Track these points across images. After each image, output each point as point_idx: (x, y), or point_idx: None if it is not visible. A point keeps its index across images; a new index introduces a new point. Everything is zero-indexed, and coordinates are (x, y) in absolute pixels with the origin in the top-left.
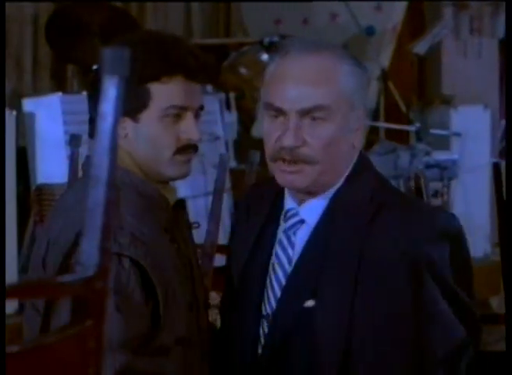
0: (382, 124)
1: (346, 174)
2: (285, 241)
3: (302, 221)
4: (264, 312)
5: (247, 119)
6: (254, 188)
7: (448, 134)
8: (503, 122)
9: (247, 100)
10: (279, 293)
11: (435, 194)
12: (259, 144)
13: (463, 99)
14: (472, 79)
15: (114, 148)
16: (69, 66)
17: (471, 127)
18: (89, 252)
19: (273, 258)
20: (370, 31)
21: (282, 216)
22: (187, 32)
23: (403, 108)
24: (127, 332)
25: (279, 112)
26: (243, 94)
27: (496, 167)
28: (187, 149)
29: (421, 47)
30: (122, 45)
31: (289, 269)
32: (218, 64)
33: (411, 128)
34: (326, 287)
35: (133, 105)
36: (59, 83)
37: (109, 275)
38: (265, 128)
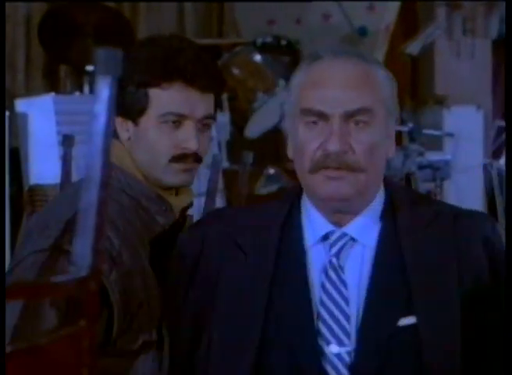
0: None
1: (382, 187)
2: (337, 265)
3: (352, 240)
4: (325, 346)
5: (239, 120)
6: (231, 222)
7: (441, 135)
8: (497, 122)
9: (240, 101)
10: (343, 320)
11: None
12: (252, 144)
13: (456, 100)
14: (465, 79)
15: (107, 148)
16: (62, 66)
17: (464, 128)
18: (82, 253)
19: (325, 285)
20: (363, 32)
21: (310, 241)
22: (180, 32)
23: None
24: None
25: (320, 116)
26: (235, 95)
27: (486, 168)
28: (185, 158)
29: (414, 47)
30: (129, 49)
31: (347, 293)
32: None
33: (404, 128)
34: (425, 302)
35: (133, 108)
36: (52, 84)
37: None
38: (301, 137)
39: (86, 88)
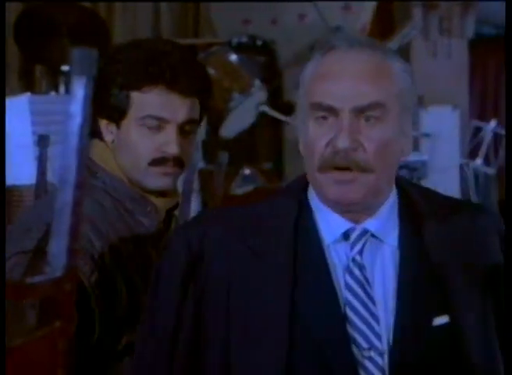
0: None
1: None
2: (360, 263)
3: (372, 236)
4: (356, 349)
5: (215, 120)
6: (235, 220)
7: (417, 135)
8: (473, 122)
9: (216, 100)
10: (372, 321)
11: None
12: (228, 144)
13: (432, 100)
14: (441, 79)
15: (82, 148)
16: (38, 66)
17: (441, 128)
18: (57, 253)
19: (350, 285)
20: (338, 32)
21: (328, 239)
22: (156, 32)
23: None
24: None
25: (330, 111)
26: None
27: (462, 168)
28: (164, 162)
29: (390, 47)
30: (115, 50)
31: (372, 293)
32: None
33: None
34: (459, 300)
35: (116, 110)
36: (28, 84)
37: (77, 276)
38: (311, 133)
39: (62, 88)
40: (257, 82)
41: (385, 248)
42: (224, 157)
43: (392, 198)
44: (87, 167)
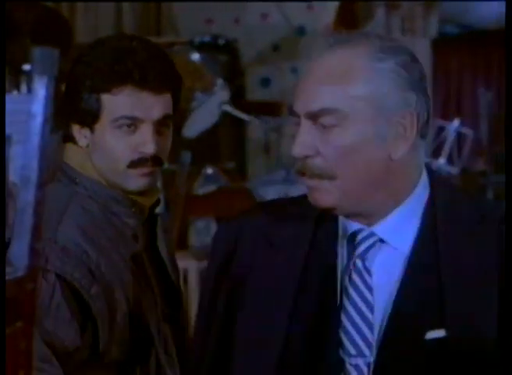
0: None
1: (422, 191)
2: (361, 268)
3: (381, 241)
4: (343, 355)
5: (177, 120)
6: (267, 215)
7: None
8: (436, 122)
9: None
10: (365, 328)
11: None
12: (190, 144)
13: None
14: None
15: (43, 148)
16: None
17: None
18: (19, 253)
19: (347, 288)
20: (301, 31)
21: (340, 241)
22: (118, 31)
23: None
24: (47, 347)
25: (297, 117)
26: None
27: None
28: (143, 162)
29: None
30: (80, 52)
31: (371, 299)
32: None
33: None
34: (459, 315)
35: (88, 114)
36: None
37: (40, 276)
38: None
39: (23, 88)
40: (220, 81)
41: (394, 254)
42: (186, 157)
43: (416, 198)
44: (65, 173)
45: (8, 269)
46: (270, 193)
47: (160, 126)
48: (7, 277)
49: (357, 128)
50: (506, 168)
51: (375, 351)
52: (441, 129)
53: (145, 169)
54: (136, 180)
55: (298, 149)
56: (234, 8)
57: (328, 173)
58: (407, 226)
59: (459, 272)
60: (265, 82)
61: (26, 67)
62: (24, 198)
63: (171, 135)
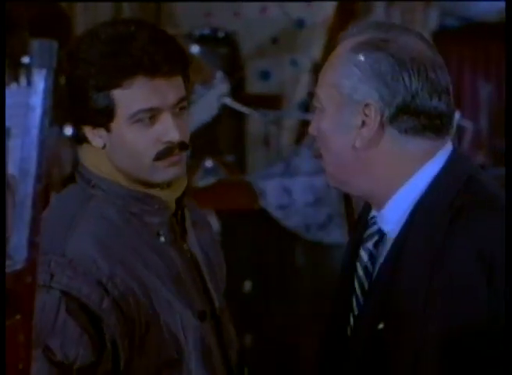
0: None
1: (425, 180)
2: (364, 255)
3: (380, 230)
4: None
5: None
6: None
7: None
8: None
9: None
10: (356, 312)
11: None
12: (190, 137)
13: None
14: None
15: (42, 140)
16: None
17: None
18: (18, 246)
19: (354, 274)
20: (300, 24)
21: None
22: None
23: None
24: (56, 367)
25: None
26: None
27: None
28: (170, 152)
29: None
30: (76, 50)
31: (367, 285)
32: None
33: None
34: (396, 306)
35: (100, 114)
36: None
37: (38, 269)
38: None
39: (23, 80)
40: (219, 74)
41: (388, 240)
42: None
43: (406, 191)
44: (82, 176)
45: (7, 263)
46: (270, 186)
47: (176, 110)
48: (6, 270)
49: (328, 113)
50: (506, 161)
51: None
52: None
53: (173, 159)
54: (165, 172)
55: (311, 129)
56: (233, 1)
57: (318, 152)
58: (398, 214)
59: (408, 264)
60: (265, 75)
61: (25, 60)
62: (23, 190)
63: (188, 116)
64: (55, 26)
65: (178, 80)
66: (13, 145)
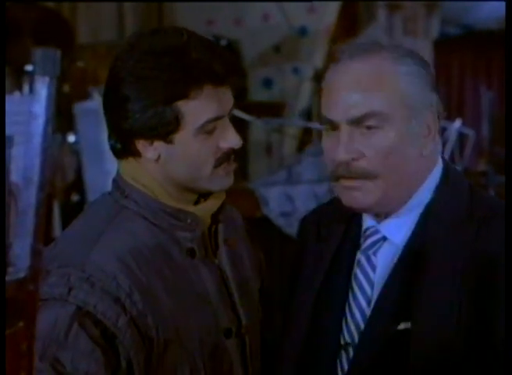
0: (316, 125)
1: (431, 186)
2: (364, 262)
3: (384, 238)
4: (342, 341)
5: None
6: (325, 207)
7: None
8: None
9: None
10: (360, 319)
11: None
12: None
13: None
14: None
15: (46, 148)
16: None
17: None
18: (21, 254)
19: (352, 281)
20: (302, 32)
21: (361, 236)
22: (120, 32)
23: None
24: None
25: (331, 125)
26: None
27: None
28: (227, 159)
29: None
30: (141, 57)
31: (370, 292)
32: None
33: None
34: (425, 308)
35: (163, 127)
36: None
37: (41, 277)
38: (323, 144)
39: (26, 88)
40: None
41: (396, 250)
42: None
43: (421, 197)
44: (118, 186)
45: (9, 270)
46: (272, 193)
47: (229, 116)
48: (9, 278)
49: (395, 128)
50: (506, 168)
51: (360, 339)
52: (443, 129)
53: (229, 167)
54: (222, 180)
55: (343, 154)
56: (235, 9)
57: (371, 173)
58: (406, 223)
59: (433, 268)
60: (267, 83)
61: (28, 68)
62: (26, 198)
63: None
64: (57, 33)
65: (229, 88)
66: (16, 153)
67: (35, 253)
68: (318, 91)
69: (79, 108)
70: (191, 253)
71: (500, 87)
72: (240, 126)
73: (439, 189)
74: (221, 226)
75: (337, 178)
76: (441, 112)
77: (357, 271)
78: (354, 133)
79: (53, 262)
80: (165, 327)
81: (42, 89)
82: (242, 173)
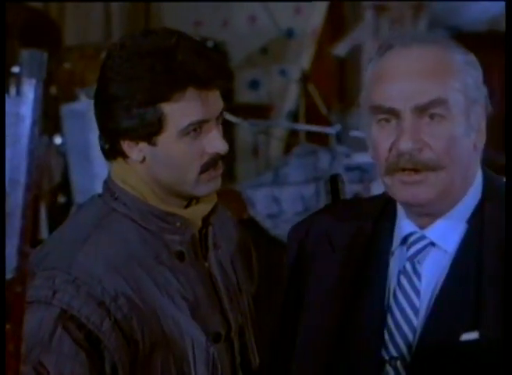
0: (302, 126)
1: (478, 188)
2: (410, 271)
3: (432, 244)
4: (385, 356)
5: None
6: (331, 215)
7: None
8: None
9: None
10: (408, 331)
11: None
12: None
13: None
14: None
15: (32, 150)
16: None
17: None
18: (8, 256)
19: (395, 291)
20: (289, 34)
21: (395, 244)
22: (107, 33)
23: (324, 110)
24: None
25: (391, 113)
26: None
27: None
28: (214, 164)
29: (341, 49)
30: (129, 57)
31: (418, 302)
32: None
33: (331, 130)
34: (492, 317)
35: (146, 129)
36: None
37: (28, 278)
38: (375, 136)
39: (12, 90)
40: None
41: (444, 257)
42: None
43: (471, 197)
44: (108, 188)
45: None
46: (259, 195)
47: (218, 121)
48: None
49: (459, 119)
50: (506, 169)
51: (413, 351)
52: None
53: (215, 172)
54: (207, 186)
55: (410, 143)
56: (222, 10)
57: (436, 164)
58: (457, 228)
59: (499, 274)
60: (254, 85)
61: (15, 69)
62: (13, 200)
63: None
64: (44, 35)
65: (217, 91)
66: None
67: (22, 255)
68: (304, 93)
69: (66, 109)
70: (180, 256)
71: (489, 89)
72: (227, 128)
73: (488, 193)
74: (212, 230)
75: (393, 171)
76: (488, 107)
77: (403, 280)
78: (418, 122)
79: (40, 264)
80: (151, 330)
81: (29, 91)
82: (229, 175)
